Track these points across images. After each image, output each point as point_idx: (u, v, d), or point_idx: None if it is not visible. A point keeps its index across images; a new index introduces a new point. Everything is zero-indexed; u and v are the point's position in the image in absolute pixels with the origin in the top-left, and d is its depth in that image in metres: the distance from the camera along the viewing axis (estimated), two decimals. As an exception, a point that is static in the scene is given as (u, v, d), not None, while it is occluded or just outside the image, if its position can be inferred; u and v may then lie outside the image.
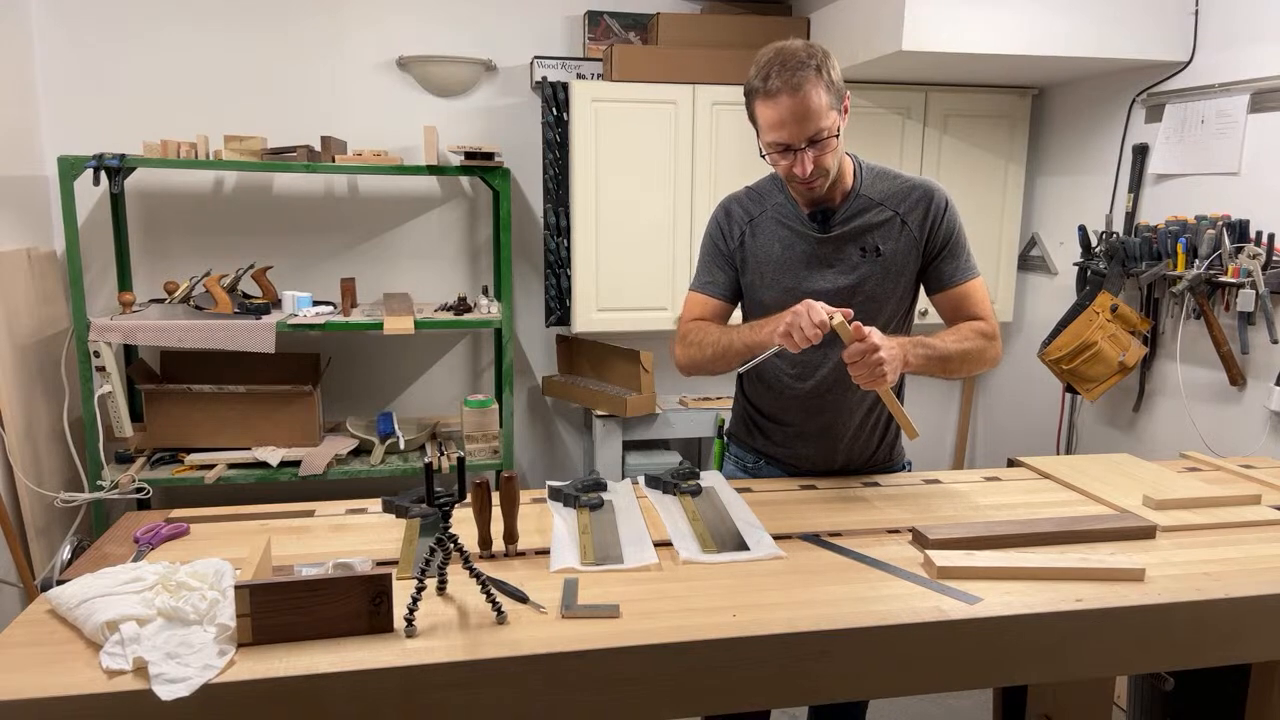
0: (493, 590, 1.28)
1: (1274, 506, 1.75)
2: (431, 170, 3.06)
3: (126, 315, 2.86)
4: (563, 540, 1.53)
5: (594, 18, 3.35)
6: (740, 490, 1.81)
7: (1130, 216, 2.98)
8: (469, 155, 2.99)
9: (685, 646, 1.21)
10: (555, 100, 3.19)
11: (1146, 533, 1.60)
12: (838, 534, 1.60)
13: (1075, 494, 1.84)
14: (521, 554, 1.50)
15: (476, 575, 1.27)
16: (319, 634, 1.19)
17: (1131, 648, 1.36)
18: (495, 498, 1.51)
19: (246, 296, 3.05)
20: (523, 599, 1.32)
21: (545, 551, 1.50)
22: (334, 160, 2.98)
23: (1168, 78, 2.84)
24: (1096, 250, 2.99)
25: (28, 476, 2.69)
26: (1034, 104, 3.43)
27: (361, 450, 3.06)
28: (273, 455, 2.92)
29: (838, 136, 1.68)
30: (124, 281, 3.11)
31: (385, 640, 1.20)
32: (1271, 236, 2.44)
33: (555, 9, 3.40)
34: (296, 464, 2.90)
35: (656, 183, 3.21)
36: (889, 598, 1.34)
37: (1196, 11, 2.74)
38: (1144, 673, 1.93)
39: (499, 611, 1.26)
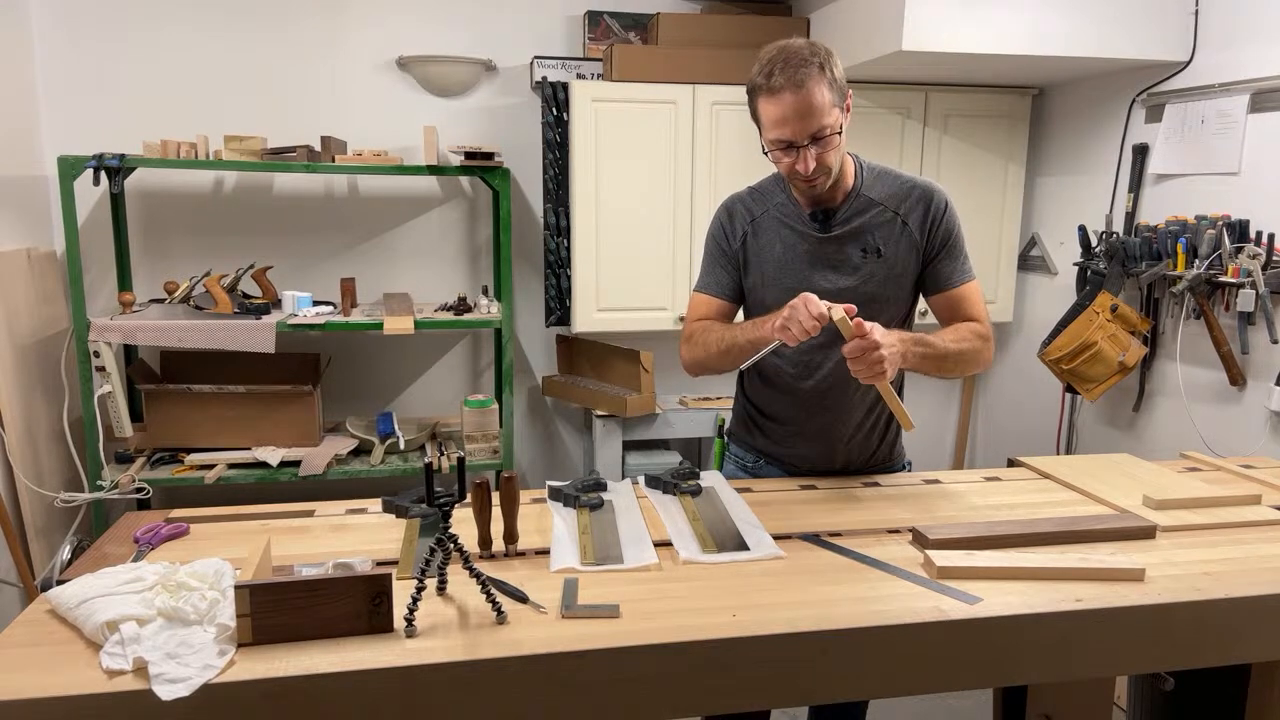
0: (493, 590, 1.28)
1: (1274, 506, 1.75)
2: (431, 170, 3.06)
3: (126, 315, 2.86)
4: (563, 540, 1.53)
5: (594, 18, 3.35)
6: (740, 490, 1.81)
7: (1130, 216, 2.98)
8: (469, 155, 2.99)
9: (685, 646, 1.21)
10: (555, 100, 3.19)
11: (1146, 533, 1.60)
12: (838, 534, 1.60)
13: (1075, 494, 1.84)
14: (521, 554, 1.50)
15: (476, 575, 1.27)
16: (319, 634, 1.19)
17: (1131, 648, 1.36)
18: (495, 498, 1.51)
19: (246, 296, 3.05)
20: (523, 599, 1.32)
21: (545, 551, 1.50)
22: (334, 160, 2.98)
23: (1168, 78, 2.84)
24: (1096, 250, 2.99)
25: (28, 476, 2.69)
26: (1034, 104, 3.43)
27: (361, 450, 3.06)
28: (273, 455, 2.92)
29: (840, 134, 1.69)
30: (124, 281, 3.11)
31: (385, 640, 1.20)
32: (1271, 236, 2.44)
33: (555, 9, 3.40)
34: (296, 464, 2.90)
35: (656, 183, 3.21)
36: (889, 598, 1.34)
37: (1196, 11, 2.74)
38: (1144, 673, 1.93)
39: (499, 611, 1.26)
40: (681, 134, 3.19)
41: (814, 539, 1.58)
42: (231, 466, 2.90)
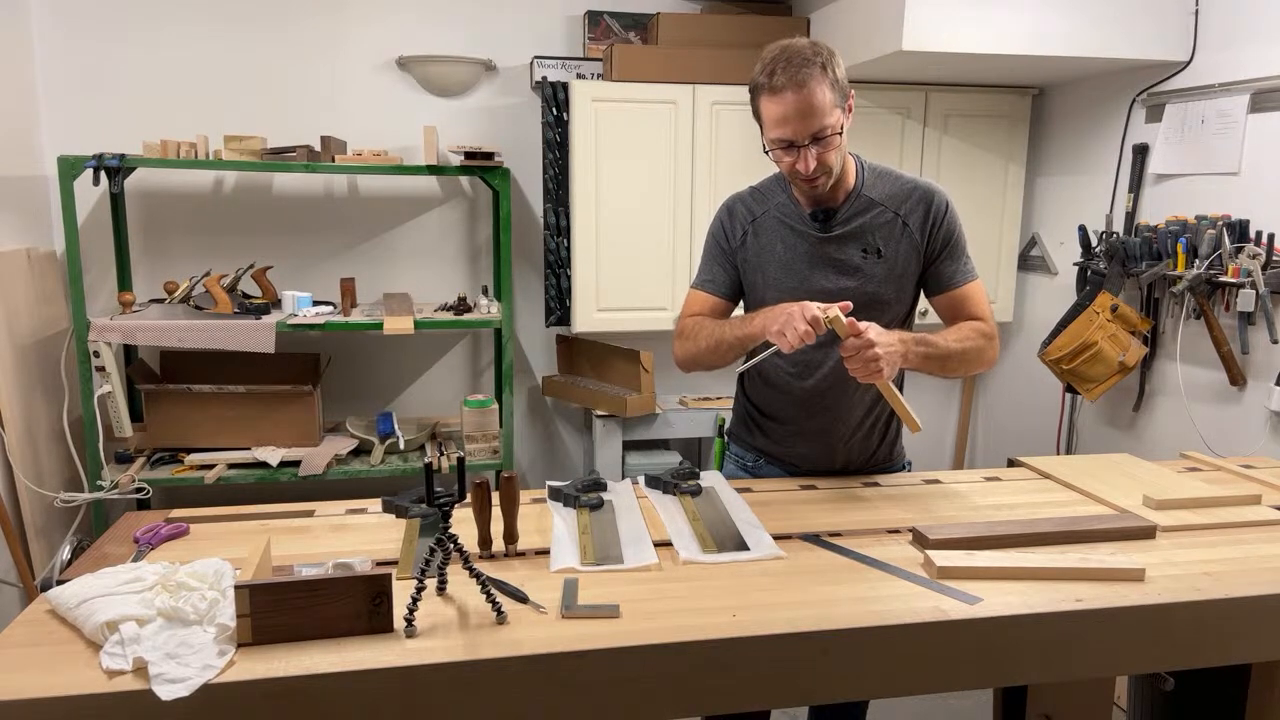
0: (493, 590, 1.28)
1: (1274, 506, 1.75)
2: (431, 170, 3.06)
3: (126, 315, 2.86)
4: (563, 540, 1.53)
5: (594, 17, 3.35)
6: (740, 490, 1.81)
7: (1130, 216, 2.98)
8: (469, 155, 2.99)
9: (685, 646, 1.21)
10: (555, 100, 3.19)
11: (1146, 533, 1.60)
12: (838, 534, 1.60)
13: (1075, 494, 1.84)
14: (521, 554, 1.50)
15: (476, 575, 1.27)
16: (319, 634, 1.19)
17: (1131, 648, 1.36)
18: (495, 498, 1.51)
19: (246, 296, 3.06)
20: (523, 599, 1.32)
21: (545, 551, 1.50)
22: (334, 160, 2.98)
23: (1168, 78, 2.84)
24: (1096, 250, 2.99)
25: (28, 476, 2.69)
26: (1034, 104, 3.43)
27: (361, 450, 3.06)
28: (273, 455, 2.92)
29: (841, 134, 1.69)
30: (124, 281, 3.11)
31: (385, 640, 1.20)
32: (1271, 236, 2.44)
33: (555, 9, 3.40)
34: (296, 464, 2.90)
35: (656, 182, 3.21)
36: (889, 598, 1.34)
37: (1196, 11, 2.74)
38: (1144, 673, 1.93)
39: (499, 611, 1.26)
40: (681, 134, 3.19)
41: (814, 539, 1.58)
42: (231, 466, 2.90)
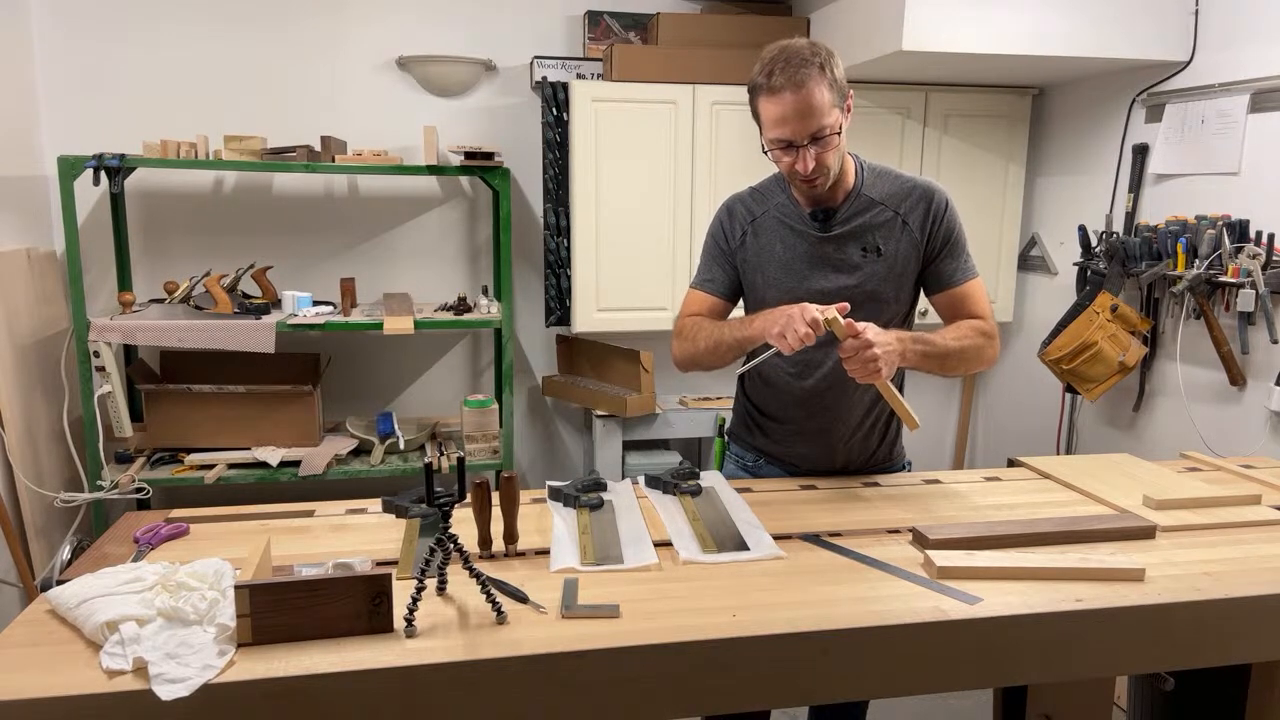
0: (493, 590, 1.28)
1: (1274, 506, 1.75)
2: (431, 170, 3.06)
3: (126, 315, 2.86)
4: (563, 540, 1.54)
5: (594, 18, 3.35)
6: (740, 490, 1.81)
7: (1130, 216, 2.98)
8: (469, 155, 2.99)
9: (685, 646, 1.21)
10: (555, 100, 3.19)
11: (1146, 533, 1.60)
12: (838, 534, 1.60)
13: (1075, 494, 1.84)
14: (521, 554, 1.50)
15: (476, 575, 1.27)
16: (319, 634, 1.19)
17: (1131, 648, 1.36)
18: (495, 498, 1.51)
19: (246, 296, 3.06)
20: (523, 599, 1.32)
21: (545, 551, 1.50)
22: (334, 160, 2.98)
23: (1168, 78, 2.84)
24: (1096, 250, 2.99)
25: (28, 476, 2.69)
26: (1034, 104, 3.43)
27: (361, 450, 3.06)
28: (273, 455, 2.92)
29: (840, 134, 1.69)
30: (124, 281, 3.11)
31: (385, 640, 1.20)
32: (1271, 236, 2.44)
33: (555, 9, 3.40)
34: (296, 464, 2.90)
35: (656, 182, 3.21)
36: (889, 598, 1.34)
37: (1196, 11, 2.74)
38: (1144, 673, 1.93)
39: (499, 611, 1.26)
40: (681, 134, 3.19)
41: (814, 539, 1.58)
42: (231, 466, 2.90)
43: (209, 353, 2.91)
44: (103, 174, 2.76)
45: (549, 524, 1.62)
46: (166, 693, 1.07)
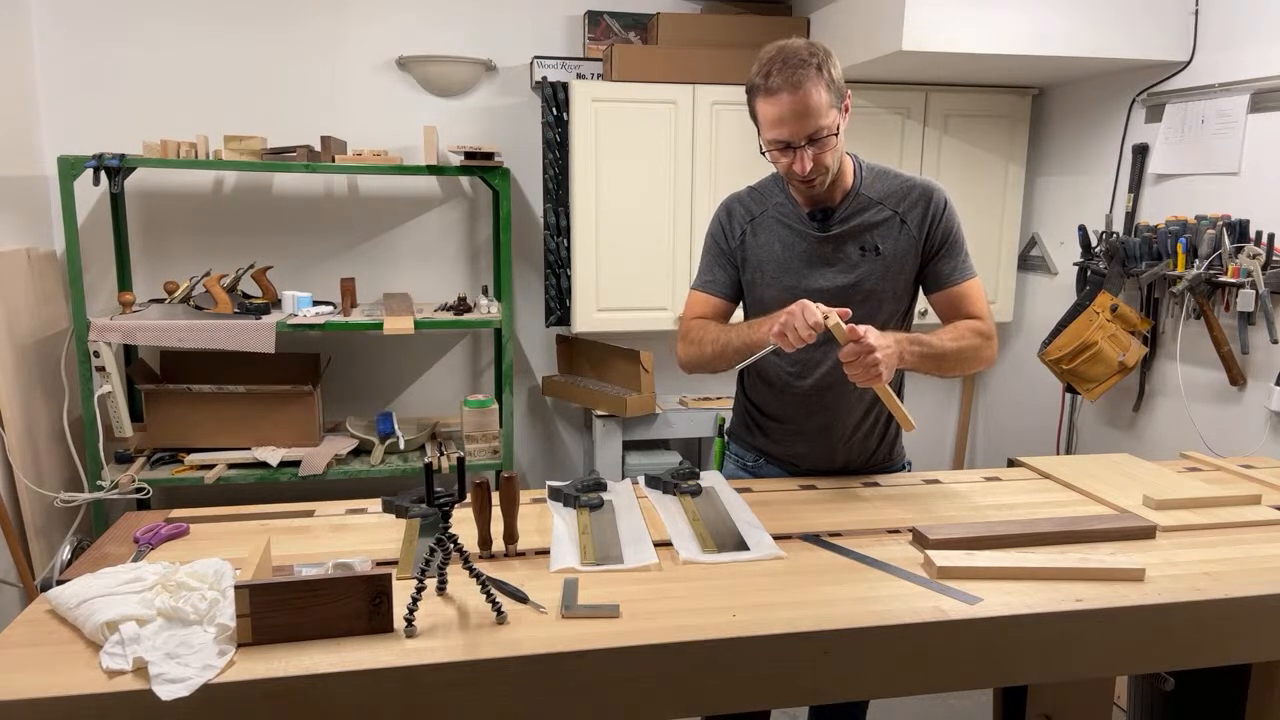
0: (493, 590, 1.28)
1: (1274, 506, 1.75)
2: (431, 170, 3.06)
3: (126, 315, 2.86)
4: (563, 540, 1.54)
5: (594, 18, 3.35)
6: (740, 490, 1.81)
7: (1130, 216, 2.98)
8: (469, 155, 2.99)
9: (685, 646, 1.21)
10: (555, 100, 3.19)
11: (1146, 533, 1.60)
12: (838, 534, 1.60)
13: (1075, 494, 1.84)
14: (521, 554, 1.50)
15: (476, 575, 1.27)
16: (319, 634, 1.19)
17: (1131, 648, 1.36)
18: (495, 498, 1.51)
19: (246, 296, 3.05)
20: (523, 599, 1.32)
21: (545, 551, 1.50)
22: (334, 160, 2.98)
23: (1168, 78, 2.84)
24: (1096, 250, 2.99)
25: (28, 476, 2.69)
26: (1034, 104, 3.42)
27: (361, 450, 3.06)
28: (273, 455, 2.92)
29: (838, 135, 1.69)
30: (124, 281, 3.11)
31: (385, 640, 1.20)
32: (1271, 236, 2.44)
33: (555, 9, 3.40)
34: (296, 464, 2.90)
35: (656, 183, 3.21)
36: (889, 598, 1.34)
37: (1196, 11, 2.74)
38: (1144, 673, 1.93)
39: (499, 611, 1.26)
40: (681, 134, 3.19)
41: (814, 539, 1.58)
42: (231, 466, 2.90)
43: (209, 353, 2.91)
44: (103, 174, 2.76)
45: (549, 524, 1.62)
46: (166, 693, 1.07)
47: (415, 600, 1.22)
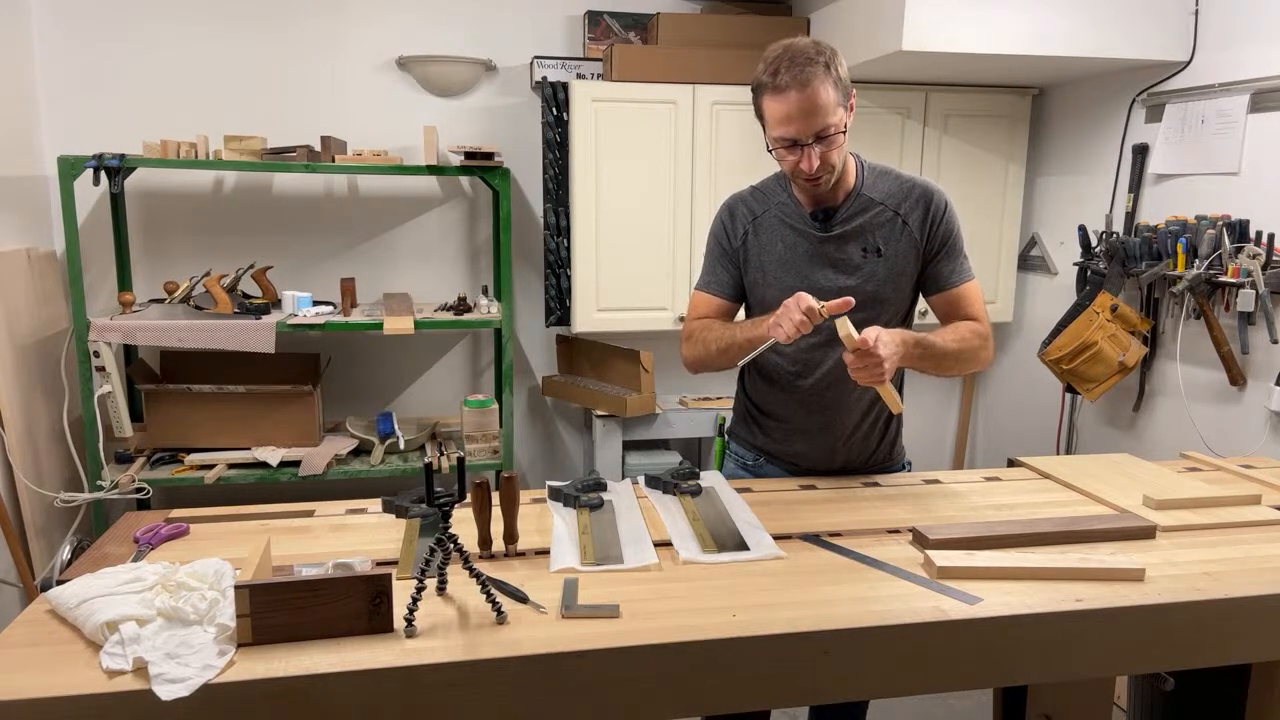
0: (493, 590, 1.28)
1: (1274, 506, 1.75)
2: (431, 170, 3.06)
3: (126, 315, 2.85)
4: (563, 540, 1.54)
5: (594, 18, 3.35)
6: (740, 490, 1.81)
7: (1130, 216, 2.98)
8: (469, 155, 2.99)
9: (685, 646, 1.21)
10: (555, 100, 3.19)
11: (1146, 533, 1.60)
12: (838, 534, 1.60)
13: (1075, 494, 1.84)
14: (521, 554, 1.50)
15: (476, 575, 1.27)
16: (319, 634, 1.19)
17: (1131, 648, 1.36)
18: (495, 498, 1.51)
19: (246, 296, 3.05)
20: (523, 599, 1.32)
21: (545, 551, 1.50)
22: (334, 160, 2.98)
23: (1168, 78, 2.84)
24: (1096, 250, 2.99)
25: (28, 476, 2.69)
26: (1034, 104, 3.42)
27: (361, 450, 3.06)
28: (273, 455, 2.92)
29: (844, 133, 1.70)
30: (124, 281, 3.11)
31: (385, 640, 1.20)
32: (1271, 236, 2.44)
33: (555, 9, 3.40)
34: (296, 464, 2.90)
35: (657, 183, 3.21)
36: (889, 598, 1.34)
37: (1196, 11, 2.74)
38: (1144, 673, 1.93)
39: (499, 611, 1.26)
40: (681, 134, 3.18)
41: (814, 539, 1.58)
42: (231, 466, 2.90)
43: (209, 353, 2.91)
44: (103, 174, 2.76)
45: (549, 524, 1.62)
46: (166, 693, 1.07)
47: (415, 600, 1.22)
